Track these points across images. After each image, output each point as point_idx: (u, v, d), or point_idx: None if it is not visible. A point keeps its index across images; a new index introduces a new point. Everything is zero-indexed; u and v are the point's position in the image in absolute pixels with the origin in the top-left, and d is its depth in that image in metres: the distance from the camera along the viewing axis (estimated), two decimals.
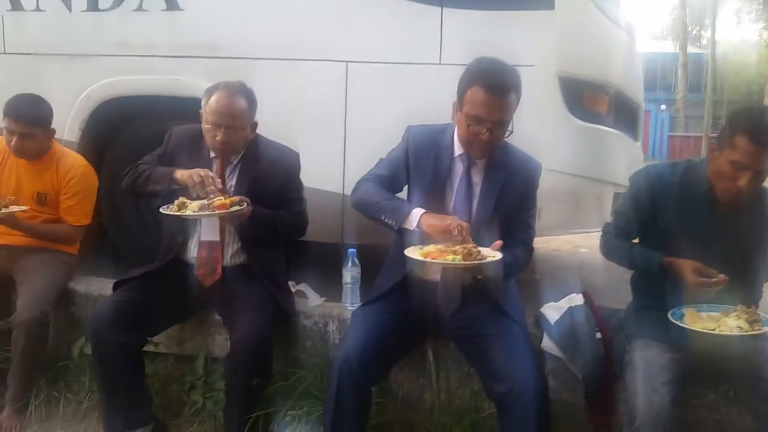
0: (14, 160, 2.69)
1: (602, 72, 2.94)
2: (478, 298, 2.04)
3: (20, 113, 2.55)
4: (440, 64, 2.75)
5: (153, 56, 3.03)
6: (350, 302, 2.42)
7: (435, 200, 2.05)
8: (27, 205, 2.61)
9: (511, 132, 2.04)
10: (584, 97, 2.86)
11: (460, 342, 2.12)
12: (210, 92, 2.29)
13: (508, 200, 2.08)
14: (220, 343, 2.47)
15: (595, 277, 3.38)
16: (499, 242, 1.90)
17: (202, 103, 2.32)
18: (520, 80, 2.01)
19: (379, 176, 2.14)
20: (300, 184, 2.47)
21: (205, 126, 2.28)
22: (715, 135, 4.76)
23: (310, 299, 2.51)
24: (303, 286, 2.59)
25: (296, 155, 2.47)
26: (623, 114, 3.13)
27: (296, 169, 2.45)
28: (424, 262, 1.84)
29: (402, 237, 2.05)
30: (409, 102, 2.79)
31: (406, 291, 2.10)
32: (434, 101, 2.74)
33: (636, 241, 2.12)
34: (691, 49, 27.21)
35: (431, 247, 1.88)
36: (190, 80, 2.97)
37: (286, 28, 2.88)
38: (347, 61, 2.82)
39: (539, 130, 2.65)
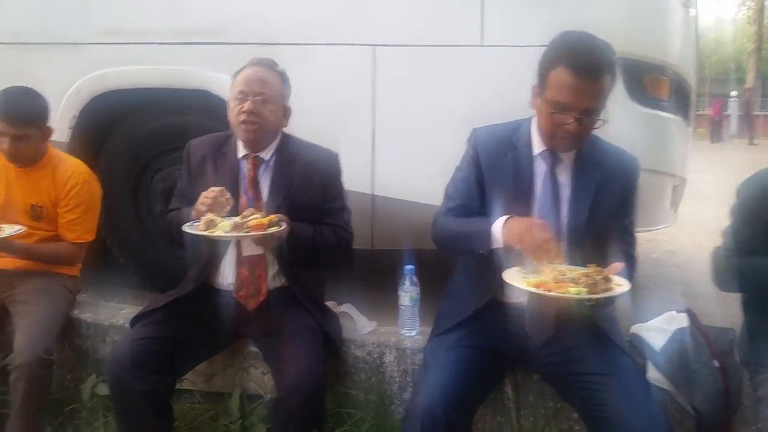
0: (3, 166, 2.30)
1: (662, 52, 2.65)
2: (577, 324, 1.72)
3: (12, 112, 2.16)
4: (482, 45, 2.49)
5: (151, 44, 2.72)
6: (409, 328, 2.10)
7: (517, 211, 1.73)
8: (19, 220, 2.23)
9: (605, 122, 1.73)
10: (645, 81, 2.58)
11: (556, 379, 1.80)
12: (238, 72, 2.04)
13: (605, 205, 1.77)
14: (257, 378, 2.13)
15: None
16: (619, 265, 1.59)
17: (230, 88, 2.04)
18: (615, 59, 1.71)
19: (452, 209, 1.86)
20: (342, 190, 2.15)
21: (232, 103, 2.01)
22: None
23: (358, 324, 2.17)
24: (347, 308, 2.25)
25: (335, 156, 2.15)
26: (681, 98, 2.86)
27: (337, 172, 2.13)
28: (535, 293, 1.52)
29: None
30: (446, 89, 2.54)
31: (485, 318, 1.79)
32: (476, 88, 2.52)
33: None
34: None
35: (547, 274, 1.55)
36: (194, 70, 2.70)
37: (303, 9, 2.59)
38: (375, 45, 2.55)
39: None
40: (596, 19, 2.39)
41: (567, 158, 1.80)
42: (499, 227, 1.68)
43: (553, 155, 1.79)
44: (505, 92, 2.42)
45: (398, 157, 2.61)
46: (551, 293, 1.50)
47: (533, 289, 1.51)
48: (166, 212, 2.16)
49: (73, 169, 2.33)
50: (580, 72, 1.64)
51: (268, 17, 2.60)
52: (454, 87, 2.52)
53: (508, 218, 1.68)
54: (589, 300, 1.51)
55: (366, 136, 2.60)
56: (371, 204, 2.64)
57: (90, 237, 2.35)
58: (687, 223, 4.38)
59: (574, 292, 1.48)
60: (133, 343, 1.87)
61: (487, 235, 1.68)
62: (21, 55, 2.85)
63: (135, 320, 2.00)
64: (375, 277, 2.62)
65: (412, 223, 2.56)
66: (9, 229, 2.12)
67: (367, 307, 2.31)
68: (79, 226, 2.32)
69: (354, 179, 2.46)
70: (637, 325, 1.99)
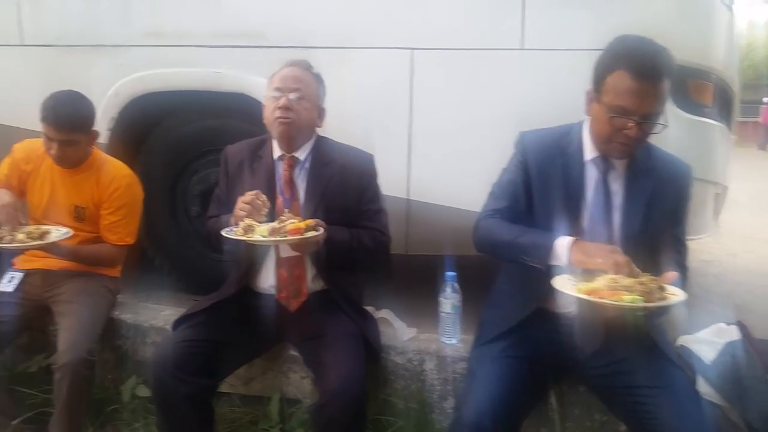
0: (49, 167, 2.32)
1: (706, 56, 2.58)
2: (627, 334, 1.68)
3: (61, 118, 2.17)
4: (522, 49, 2.44)
5: (190, 46, 2.73)
6: (449, 335, 2.07)
7: (567, 218, 1.70)
8: (63, 221, 2.25)
9: (665, 126, 1.69)
10: (689, 86, 2.53)
11: (603, 391, 1.76)
12: (274, 73, 2.06)
13: (658, 213, 1.73)
14: (296, 382, 2.13)
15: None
16: (673, 274, 1.55)
17: (266, 89, 2.06)
18: (674, 64, 1.67)
19: (499, 210, 1.81)
20: (378, 192, 2.14)
21: (267, 102, 2.03)
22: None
23: (398, 330, 2.15)
24: (386, 313, 2.22)
25: (370, 157, 2.14)
26: (724, 104, 2.79)
27: (373, 174, 2.12)
28: (587, 300, 1.48)
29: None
30: (484, 94, 2.50)
31: (531, 327, 1.75)
32: (516, 92, 2.48)
33: None
34: None
35: (600, 281, 1.51)
36: (232, 73, 2.70)
37: (341, 12, 2.58)
38: (413, 48, 2.52)
39: None
40: (639, 23, 2.30)
41: (620, 165, 1.76)
42: (564, 245, 1.63)
43: (605, 162, 1.75)
44: (546, 96, 2.40)
45: (434, 162, 2.58)
46: (605, 300, 1.46)
47: (587, 297, 1.47)
48: (206, 219, 2.16)
49: (117, 171, 2.35)
50: (641, 75, 1.60)
51: (306, 21, 2.59)
52: (492, 91, 2.49)
53: (576, 240, 1.64)
54: (645, 309, 1.46)
55: (402, 140, 2.58)
56: (406, 208, 2.62)
57: (131, 239, 2.37)
58: (722, 232, 4.28)
59: (629, 300, 1.44)
60: (176, 346, 1.87)
61: (548, 250, 1.64)
62: (62, 57, 2.89)
63: (177, 323, 2.00)
64: (411, 282, 2.59)
65: (447, 228, 2.53)
66: (56, 233, 2.13)
67: (404, 313, 2.28)
68: (121, 228, 2.33)
69: (389, 183, 2.44)
70: (684, 336, 1.94)
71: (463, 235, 2.51)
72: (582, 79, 2.20)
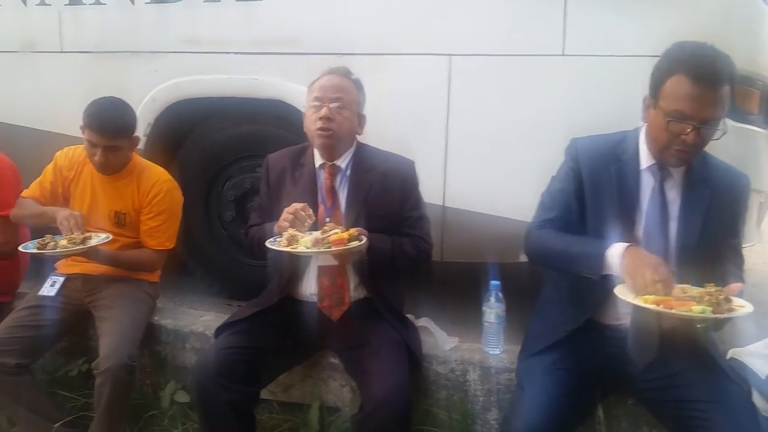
0: (89, 173, 2.34)
1: (752, 62, 2.52)
2: (681, 347, 1.63)
3: (105, 124, 2.19)
4: (563, 55, 2.40)
5: (226, 53, 2.74)
6: (493, 345, 2.04)
7: (621, 228, 1.67)
8: (103, 226, 2.27)
9: (725, 133, 1.64)
10: (735, 93, 2.47)
11: (655, 404, 1.72)
12: (313, 81, 2.06)
13: (716, 223, 1.69)
14: (335, 390, 2.11)
15: None
16: (739, 285, 1.51)
17: (306, 98, 2.06)
18: (735, 70, 1.63)
19: (550, 220, 1.78)
20: (420, 199, 2.12)
21: (308, 111, 2.03)
22: None
23: (439, 339, 2.13)
24: (425, 321, 2.20)
25: (411, 164, 2.12)
26: None
27: (414, 181, 2.10)
28: (648, 311, 1.44)
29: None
30: (523, 100, 2.46)
31: (581, 339, 1.72)
32: (556, 99, 2.44)
33: None
34: None
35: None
36: (269, 80, 2.70)
37: (378, 18, 2.56)
38: (450, 54, 2.49)
39: None
40: (684, 28, 2.29)
41: (677, 173, 1.72)
42: (615, 254, 1.59)
43: (662, 170, 1.71)
44: (588, 103, 2.36)
45: (471, 169, 2.55)
46: (674, 311, 1.42)
47: (654, 307, 1.43)
48: (248, 228, 2.15)
49: (157, 177, 2.36)
50: (700, 80, 1.57)
51: (343, 27, 2.58)
52: (531, 98, 2.45)
53: (629, 247, 1.60)
54: (714, 320, 1.42)
55: (439, 147, 2.55)
56: (442, 215, 2.59)
57: (171, 244, 2.37)
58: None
59: (698, 311, 1.40)
60: (219, 353, 1.87)
61: (600, 259, 1.60)
62: (101, 63, 2.93)
63: (220, 330, 2.00)
64: (445, 289, 2.56)
65: (483, 235, 2.51)
66: (97, 238, 2.15)
67: (441, 321, 2.25)
68: (161, 234, 2.34)
69: (425, 190, 2.43)
70: (735, 349, 1.88)
71: (499, 243, 2.50)
72: (625, 86, 2.18)
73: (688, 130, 1.59)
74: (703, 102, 1.57)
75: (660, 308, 1.43)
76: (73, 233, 2.09)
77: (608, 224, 1.68)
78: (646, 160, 1.73)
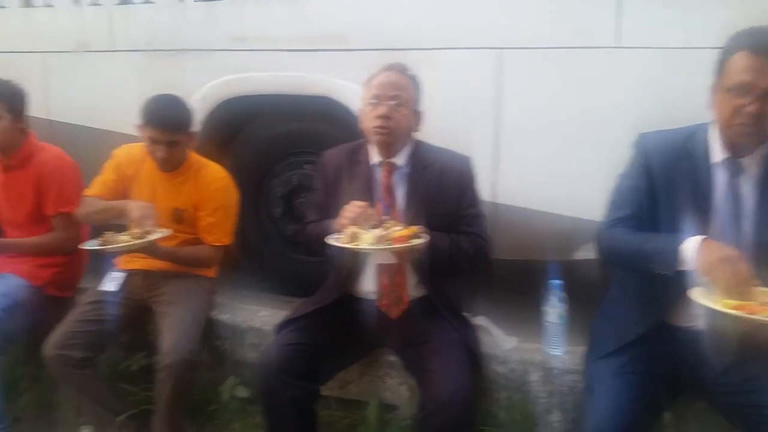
0: (149, 171, 2.38)
1: None
2: (762, 352, 1.58)
3: (165, 119, 2.22)
4: (618, 47, 2.34)
5: (275, 50, 2.75)
6: (555, 346, 2.02)
7: (695, 225, 1.62)
8: (162, 223, 2.29)
9: None
10: None
11: (729, 409, 1.68)
12: (370, 78, 2.06)
13: None
14: (393, 388, 2.12)
15: None
16: None
17: (363, 95, 2.05)
18: None
19: (621, 219, 1.73)
20: (477, 196, 2.10)
21: (366, 109, 2.02)
22: None
23: (497, 339, 2.11)
24: (483, 320, 2.19)
25: (468, 160, 2.10)
26: None
27: (471, 178, 2.08)
28: (734, 316, 1.40)
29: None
30: (577, 94, 2.40)
31: (652, 342, 1.68)
32: (609, 92, 2.38)
33: None
34: None
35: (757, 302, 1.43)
36: (317, 77, 2.69)
37: (426, 13, 2.53)
38: (501, 48, 2.45)
39: None
40: (742, 19, 2.23)
41: (750, 168, 1.66)
42: (690, 249, 1.55)
43: (735, 164, 1.66)
44: (642, 96, 2.29)
45: (523, 165, 2.52)
46: (758, 317, 1.38)
47: (737, 313, 1.39)
48: (305, 224, 2.16)
49: (214, 174, 2.38)
50: (761, 51, 1.55)
51: (390, 23, 2.56)
52: (585, 91, 2.39)
53: (704, 239, 1.56)
54: None
55: (489, 143, 2.51)
56: (493, 212, 2.56)
57: (228, 240, 2.40)
58: None
59: None
60: (280, 349, 1.89)
61: (674, 255, 1.56)
62: (152, 62, 2.97)
63: (281, 326, 2.02)
64: (502, 288, 2.53)
65: (536, 232, 2.48)
66: (157, 233, 2.18)
67: (497, 320, 2.23)
68: (218, 230, 2.37)
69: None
70: None
71: (551, 240, 2.46)
72: (682, 78, 2.12)
73: (750, 101, 1.55)
74: (764, 72, 1.54)
75: (743, 314, 1.39)
76: (144, 224, 2.13)
77: (681, 222, 1.63)
78: (717, 154, 1.68)
